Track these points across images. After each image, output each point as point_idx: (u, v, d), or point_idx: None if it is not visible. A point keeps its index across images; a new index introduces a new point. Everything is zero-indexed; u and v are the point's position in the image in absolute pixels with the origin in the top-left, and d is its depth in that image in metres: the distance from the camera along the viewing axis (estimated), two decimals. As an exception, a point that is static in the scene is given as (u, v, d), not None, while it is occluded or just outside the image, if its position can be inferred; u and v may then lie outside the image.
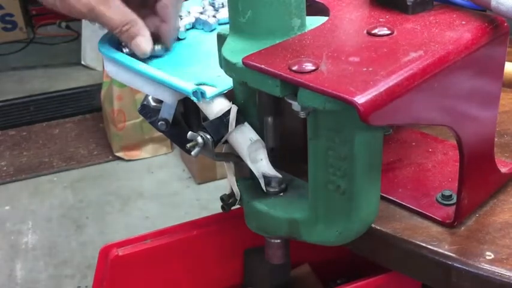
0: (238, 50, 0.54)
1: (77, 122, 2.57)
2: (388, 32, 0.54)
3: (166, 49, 0.69)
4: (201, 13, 0.76)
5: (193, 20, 0.75)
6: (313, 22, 0.57)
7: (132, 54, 0.66)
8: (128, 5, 0.65)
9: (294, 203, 0.60)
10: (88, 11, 0.63)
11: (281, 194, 0.62)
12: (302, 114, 0.51)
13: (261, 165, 0.61)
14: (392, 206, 0.64)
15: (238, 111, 0.60)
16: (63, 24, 3.34)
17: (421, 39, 0.53)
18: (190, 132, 0.59)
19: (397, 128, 0.76)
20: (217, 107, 0.60)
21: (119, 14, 0.65)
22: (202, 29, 0.74)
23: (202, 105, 0.60)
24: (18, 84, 2.87)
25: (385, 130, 0.73)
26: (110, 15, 0.64)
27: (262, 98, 0.57)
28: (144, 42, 0.65)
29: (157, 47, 0.67)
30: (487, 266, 0.56)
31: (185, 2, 0.79)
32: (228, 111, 0.59)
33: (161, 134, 0.69)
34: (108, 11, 0.64)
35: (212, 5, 0.78)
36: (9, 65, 3.05)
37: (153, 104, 0.67)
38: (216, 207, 0.67)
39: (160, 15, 0.67)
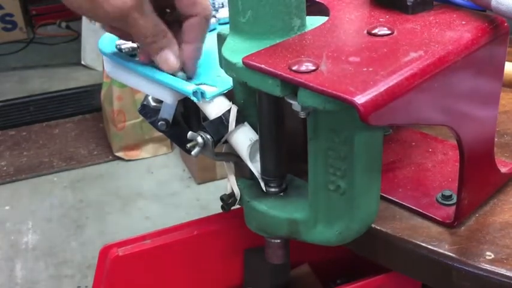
0: (238, 50, 0.54)
1: (77, 122, 2.57)
2: (388, 32, 0.54)
3: (188, 77, 0.63)
4: (201, 13, 0.76)
5: (193, 20, 0.74)
6: (313, 22, 0.57)
7: (132, 55, 0.66)
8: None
9: (294, 203, 0.60)
10: (120, 15, 0.57)
11: (281, 194, 0.62)
12: (302, 114, 0.51)
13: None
14: (392, 206, 0.64)
15: (238, 111, 0.60)
16: (63, 24, 3.35)
17: (421, 39, 0.53)
18: (190, 132, 0.59)
19: (397, 128, 0.76)
20: (217, 107, 0.60)
21: (151, 22, 0.59)
22: (202, 29, 0.74)
23: (202, 105, 0.60)
24: (18, 84, 2.88)
25: (385, 130, 0.73)
26: (142, 22, 0.58)
27: (262, 98, 0.57)
28: (172, 57, 0.60)
29: (180, 73, 0.62)
30: (487, 266, 0.56)
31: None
32: (228, 111, 0.59)
33: (161, 134, 0.68)
34: (142, 17, 0.57)
35: (212, 5, 0.78)
36: (9, 65, 3.06)
37: (153, 104, 0.67)
38: (216, 207, 0.67)
39: (185, 35, 0.61)
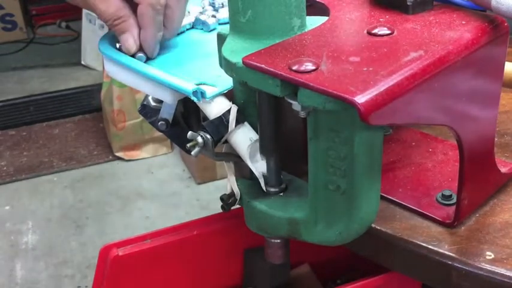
0: (238, 50, 0.54)
1: (77, 122, 2.57)
2: (388, 32, 0.54)
3: (148, 57, 0.67)
4: (201, 13, 0.76)
5: (193, 20, 0.75)
6: (313, 22, 0.57)
7: (132, 55, 0.66)
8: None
9: (294, 203, 0.60)
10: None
11: (281, 194, 0.62)
12: (302, 114, 0.51)
13: (261, 165, 0.61)
14: (392, 206, 0.64)
15: (238, 111, 0.60)
16: (63, 24, 3.35)
17: (421, 39, 0.53)
18: (190, 132, 0.59)
19: (397, 128, 0.76)
20: (217, 107, 0.60)
21: (113, 7, 0.65)
22: (202, 29, 0.74)
23: (202, 105, 0.60)
24: (18, 84, 2.87)
25: (385, 130, 0.73)
26: (103, 7, 0.65)
27: (262, 98, 0.57)
28: (129, 40, 0.65)
29: (140, 54, 0.66)
30: (487, 266, 0.56)
31: (185, 2, 0.79)
32: (228, 111, 0.59)
33: (161, 134, 0.68)
34: (102, 3, 0.65)
35: (212, 5, 0.78)
36: (9, 65, 3.05)
37: (153, 104, 0.67)
38: (216, 207, 0.67)
39: (139, 21, 0.66)
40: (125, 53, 0.66)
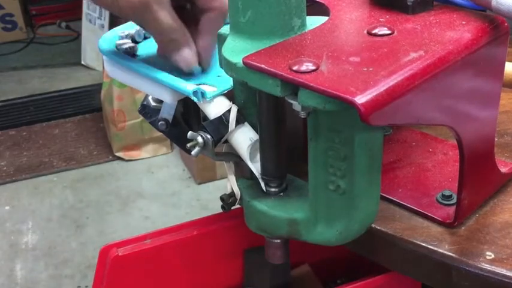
0: (238, 50, 0.54)
1: (77, 122, 2.58)
2: (389, 32, 0.54)
3: (203, 70, 0.63)
4: (201, 13, 0.76)
5: (193, 20, 0.74)
6: (313, 22, 0.57)
7: (132, 55, 0.66)
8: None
9: (294, 203, 0.60)
10: (140, 5, 0.56)
11: (281, 194, 0.62)
12: (302, 114, 0.51)
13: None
14: (393, 206, 0.64)
15: (238, 111, 0.60)
16: (63, 24, 3.35)
17: (421, 39, 0.53)
18: (190, 132, 0.59)
19: (397, 128, 0.76)
20: (217, 107, 0.60)
21: (171, 16, 0.58)
22: (202, 29, 0.74)
23: (202, 105, 0.60)
24: (18, 84, 2.88)
25: (385, 130, 0.73)
26: (162, 16, 0.57)
27: (262, 98, 0.57)
28: (191, 54, 0.61)
29: (197, 67, 0.63)
30: (487, 266, 0.56)
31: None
32: (228, 111, 0.59)
33: (161, 134, 0.68)
34: (162, 11, 0.57)
35: (212, 5, 0.78)
36: (9, 65, 3.06)
37: (153, 104, 0.67)
38: (216, 207, 0.67)
39: (203, 29, 0.61)
40: (183, 69, 0.62)
